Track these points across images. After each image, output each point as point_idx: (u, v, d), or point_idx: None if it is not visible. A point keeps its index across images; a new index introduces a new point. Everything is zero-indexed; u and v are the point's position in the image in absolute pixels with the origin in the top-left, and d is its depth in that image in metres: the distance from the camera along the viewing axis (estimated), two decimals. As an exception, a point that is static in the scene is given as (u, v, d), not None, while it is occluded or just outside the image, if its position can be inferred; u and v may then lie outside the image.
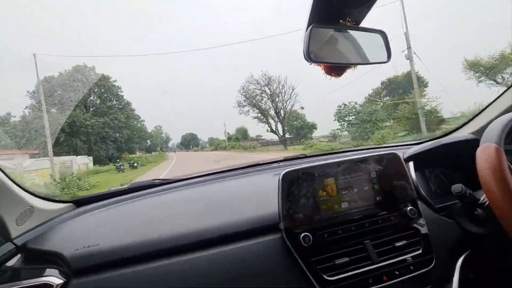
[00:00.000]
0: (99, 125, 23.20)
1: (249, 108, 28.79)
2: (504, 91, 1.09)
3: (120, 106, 26.95)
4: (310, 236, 0.73)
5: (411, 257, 0.77)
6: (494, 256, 0.89)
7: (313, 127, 26.75)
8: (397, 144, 1.37)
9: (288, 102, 27.17)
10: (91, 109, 25.14)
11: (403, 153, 1.03)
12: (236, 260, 0.75)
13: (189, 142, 65.47)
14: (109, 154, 23.77)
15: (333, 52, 0.69)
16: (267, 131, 29.42)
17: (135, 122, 29.33)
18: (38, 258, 0.80)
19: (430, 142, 1.01)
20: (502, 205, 0.59)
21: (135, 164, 18.19)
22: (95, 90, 25.48)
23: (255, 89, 27.91)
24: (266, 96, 27.71)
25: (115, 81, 26.69)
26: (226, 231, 0.79)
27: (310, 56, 0.64)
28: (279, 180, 0.77)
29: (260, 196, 0.93)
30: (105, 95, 26.56)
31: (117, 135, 25.50)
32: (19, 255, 0.79)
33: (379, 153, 0.85)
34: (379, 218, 0.80)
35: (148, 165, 19.83)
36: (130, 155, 23.62)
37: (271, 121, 28.26)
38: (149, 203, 0.99)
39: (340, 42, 0.71)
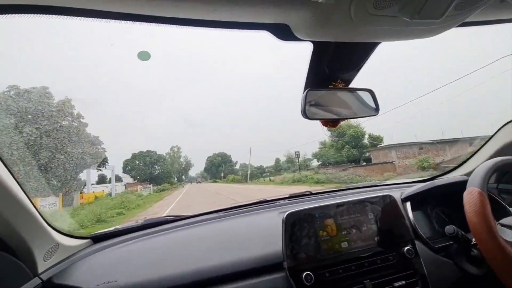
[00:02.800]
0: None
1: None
2: (494, 134, 1.17)
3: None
4: (312, 275, 0.78)
5: None
6: None
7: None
8: (397, 182, 1.42)
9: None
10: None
11: (401, 193, 1.09)
12: None
13: (218, 168, 51.45)
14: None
15: (327, 109, 0.80)
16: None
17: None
18: None
19: (425, 183, 1.08)
20: (486, 245, 0.64)
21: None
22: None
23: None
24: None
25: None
26: (235, 269, 0.84)
27: (307, 114, 0.75)
28: (282, 221, 0.84)
29: (266, 235, 0.99)
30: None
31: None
32: None
33: (376, 195, 0.92)
34: (378, 258, 0.85)
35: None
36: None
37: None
38: (163, 240, 1.06)
39: (333, 100, 0.82)
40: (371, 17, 0.49)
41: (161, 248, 0.99)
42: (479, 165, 0.81)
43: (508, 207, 0.93)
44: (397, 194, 1.04)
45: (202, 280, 0.82)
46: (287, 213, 0.85)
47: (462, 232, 0.82)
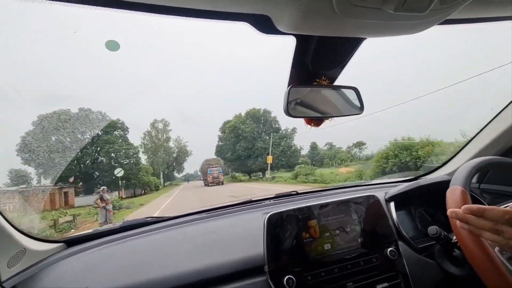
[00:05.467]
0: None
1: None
2: (476, 134, 1.18)
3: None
4: (294, 279, 0.76)
5: None
6: None
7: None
8: (382, 182, 1.42)
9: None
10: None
11: (386, 193, 1.08)
12: None
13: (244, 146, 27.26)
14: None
15: (311, 106, 0.78)
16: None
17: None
18: None
19: (409, 183, 1.07)
20: (467, 243, 0.64)
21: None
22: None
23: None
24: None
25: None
26: (217, 273, 0.81)
27: (289, 112, 0.72)
28: (264, 223, 0.81)
29: (249, 236, 0.95)
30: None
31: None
32: None
33: (360, 195, 0.90)
34: (361, 259, 0.83)
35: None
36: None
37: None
38: (141, 243, 1.01)
39: (316, 97, 0.80)
40: (354, 9, 0.47)
41: (139, 252, 0.95)
42: (462, 164, 0.81)
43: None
44: (381, 194, 1.04)
45: (181, 285, 0.78)
46: (268, 214, 0.82)
47: (445, 233, 0.82)
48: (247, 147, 28.16)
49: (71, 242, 1.06)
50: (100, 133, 22.88)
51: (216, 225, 1.13)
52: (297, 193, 1.45)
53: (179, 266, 0.84)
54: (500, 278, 0.57)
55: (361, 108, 0.83)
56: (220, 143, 31.17)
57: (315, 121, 0.80)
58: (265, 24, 0.57)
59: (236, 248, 0.90)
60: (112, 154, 22.97)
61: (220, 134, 31.60)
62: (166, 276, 0.80)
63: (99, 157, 23.21)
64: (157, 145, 30.34)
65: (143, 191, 23.41)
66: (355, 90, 0.82)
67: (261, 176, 27.72)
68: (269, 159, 23.99)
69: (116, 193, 19.15)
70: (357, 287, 0.78)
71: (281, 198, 1.38)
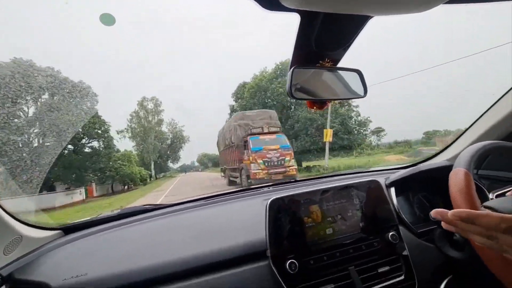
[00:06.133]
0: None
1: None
2: (476, 120, 1.17)
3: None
4: (296, 263, 0.75)
5: (394, 282, 0.79)
6: (475, 281, 0.91)
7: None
8: (382, 168, 1.43)
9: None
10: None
11: (386, 178, 1.08)
12: None
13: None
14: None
15: (314, 89, 0.76)
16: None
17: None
18: None
19: (409, 169, 1.07)
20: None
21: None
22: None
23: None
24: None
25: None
26: (216, 259, 0.80)
27: (293, 94, 0.70)
28: (266, 208, 0.80)
29: (249, 222, 0.95)
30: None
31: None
32: (3, 286, 0.78)
33: (361, 181, 0.90)
34: (362, 244, 0.83)
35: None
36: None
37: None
38: (139, 229, 1.00)
39: (320, 80, 0.78)
40: None
41: (137, 239, 0.93)
42: (466, 147, 0.80)
43: (487, 192, 0.94)
44: (381, 180, 1.03)
45: (180, 272, 0.77)
46: (271, 199, 0.81)
47: None
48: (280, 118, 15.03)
49: (68, 230, 1.04)
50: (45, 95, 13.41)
51: (215, 211, 1.13)
52: (296, 180, 1.44)
53: (177, 252, 0.83)
54: (507, 266, 0.57)
55: (365, 91, 0.81)
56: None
57: (318, 104, 0.78)
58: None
59: (236, 234, 0.89)
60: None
61: (234, 103, 21.01)
62: (166, 262, 0.79)
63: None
64: (146, 129, 25.11)
65: (125, 186, 18.38)
66: (359, 73, 0.80)
67: (314, 162, 16.76)
68: (328, 134, 11.88)
69: (82, 190, 14.49)
70: (359, 271, 0.78)
71: (280, 185, 1.38)
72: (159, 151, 26.95)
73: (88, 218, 1.14)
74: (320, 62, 0.76)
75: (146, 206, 1.19)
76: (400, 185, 1.04)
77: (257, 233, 0.85)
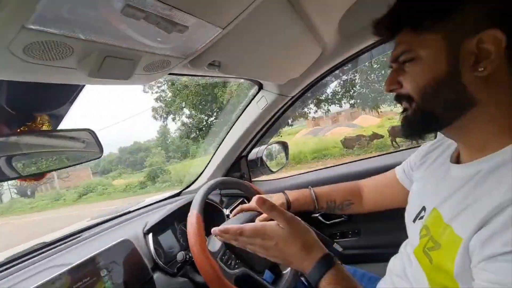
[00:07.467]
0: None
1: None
2: (214, 154, 1.49)
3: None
4: None
5: None
6: None
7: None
8: (147, 203, 1.35)
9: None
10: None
11: (146, 222, 1.03)
12: None
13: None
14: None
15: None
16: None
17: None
18: None
19: (167, 208, 1.09)
20: (200, 264, 0.77)
21: None
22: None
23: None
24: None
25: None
26: None
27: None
28: None
29: None
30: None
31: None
32: None
33: (109, 246, 0.79)
34: None
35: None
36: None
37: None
38: None
39: (40, 148, 0.62)
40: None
41: None
42: (199, 189, 0.96)
43: (224, 211, 1.19)
44: (141, 225, 0.99)
45: None
46: None
47: (190, 255, 0.87)
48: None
49: None
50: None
51: None
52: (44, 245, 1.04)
53: None
54: (220, 282, 0.74)
55: (101, 150, 0.76)
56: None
57: (33, 177, 0.62)
58: None
59: None
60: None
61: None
62: None
63: None
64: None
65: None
66: (91, 131, 0.73)
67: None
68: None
69: None
70: None
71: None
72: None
73: None
74: (33, 125, 0.61)
75: None
76: (159, 225, 1.02)
77: None
